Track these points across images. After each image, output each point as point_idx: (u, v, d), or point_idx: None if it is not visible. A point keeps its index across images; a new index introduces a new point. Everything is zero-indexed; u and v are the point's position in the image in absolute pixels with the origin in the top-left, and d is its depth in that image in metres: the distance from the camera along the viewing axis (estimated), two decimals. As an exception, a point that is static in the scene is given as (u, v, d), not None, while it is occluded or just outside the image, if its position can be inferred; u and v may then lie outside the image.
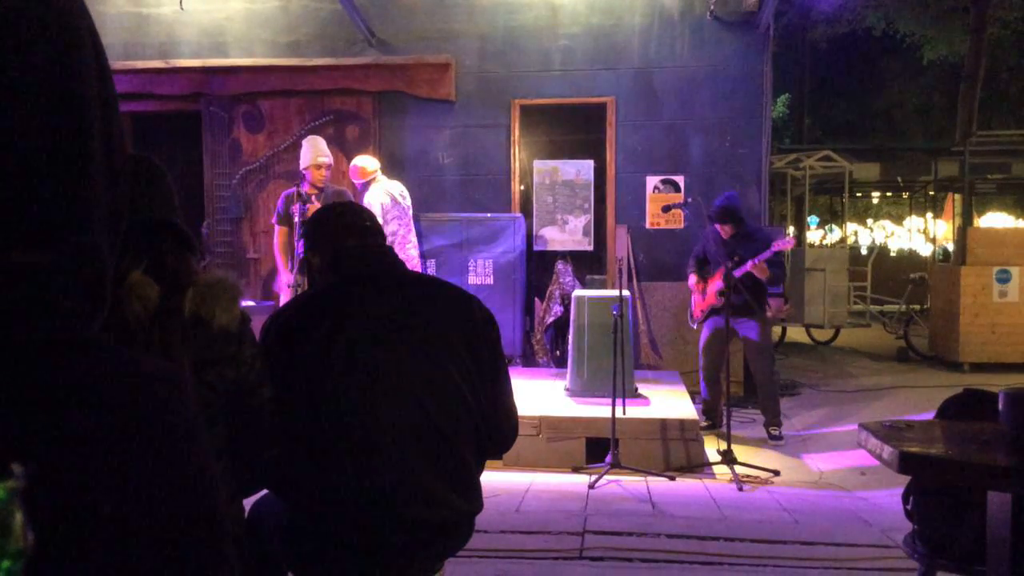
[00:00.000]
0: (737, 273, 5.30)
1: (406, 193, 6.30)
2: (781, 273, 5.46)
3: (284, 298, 5.85)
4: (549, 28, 7.08)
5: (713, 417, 5.71)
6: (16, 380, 0.46)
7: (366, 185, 6.13)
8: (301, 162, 5.79)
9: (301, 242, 5.60)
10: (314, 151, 5.72)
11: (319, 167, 5.68)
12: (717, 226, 5.51)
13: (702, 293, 5.68)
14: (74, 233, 0.51)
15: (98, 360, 0.50)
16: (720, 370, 5.54)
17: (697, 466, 4.78)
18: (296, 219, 5.61)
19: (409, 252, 6.13)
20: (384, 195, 6.03)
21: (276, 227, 5.91)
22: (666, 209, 6.22)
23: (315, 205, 5.47)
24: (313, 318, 1.83)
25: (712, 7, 6.81)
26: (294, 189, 5.75)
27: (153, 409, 0.51)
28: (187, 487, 0.51)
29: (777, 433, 5.65)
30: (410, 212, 6.29)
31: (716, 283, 5.52)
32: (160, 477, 0.50)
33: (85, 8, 0.53)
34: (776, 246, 5.25)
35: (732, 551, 3.42)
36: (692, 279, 5.75)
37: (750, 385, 6.71)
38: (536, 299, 7.01)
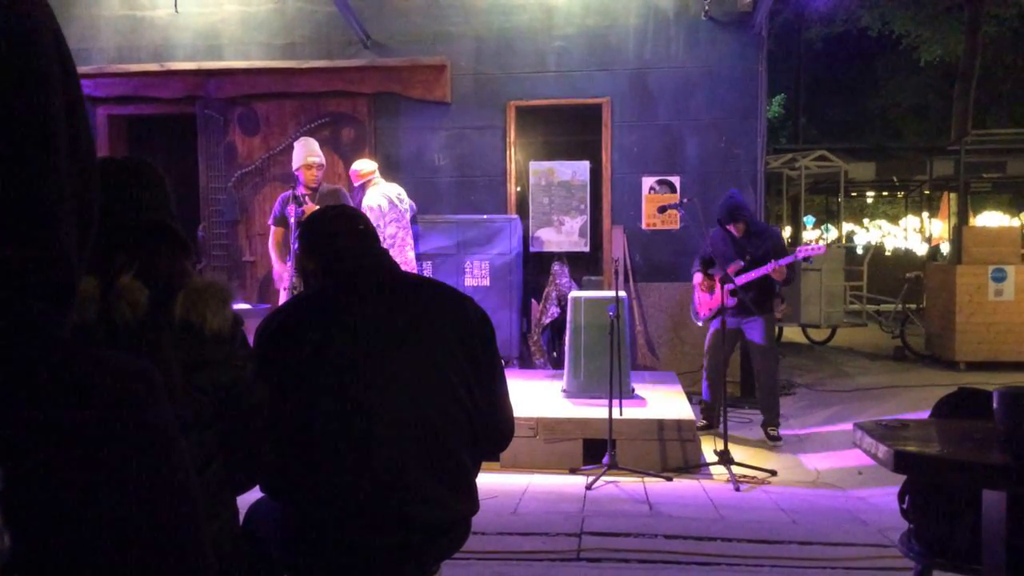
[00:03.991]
0: (752, 276, 5.31)
1: (404, 196, 6.30)
2: (792, 274, 5.48)
3: (282, 291, 5.85)
4: (544, 29, 7.08)
5: (711, 417, 5.71)
6: None
7: (363, 188, 6.14)
8: (293, 163, 5.81)
9: (298, 244, 5.60)
10: (304, 151, 5.73)
11: (309, 167, 5.68)
12: (730, 227, 5.52)
13: (709, 291, 5.67)
14: (39, 230, 0.50)
15: (69, 358, 0.50)
16: (723, 371, 5.56)
17: (694, 466, 4.78)
18: (291, 220, 5.61)
19: (407, 255, 6.13)
20: (381, 198, 6.03)
21: (272, 228, 5.93)
22: (662, 210, 6.21)
23: (310, 206, 5.47)
24: (308, 320, 1.82)
25: (707, 7, 6.81)
26: (290, 192, 5.76)
27: (127, 407, 0.51)
28: (162, 485, 0.51)
29: (776, 434, 5.65)
30: (408, 215, 6.29)
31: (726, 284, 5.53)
32: (134, 475, 0.49)
33: (48, 7, 0.53)
34: (801, 252, 5.29)
35: (729, 551, 3.42)
36: (697, 277, 5.73)
37: (747, 385, 6.72)
38: (533, 300, 7.01)
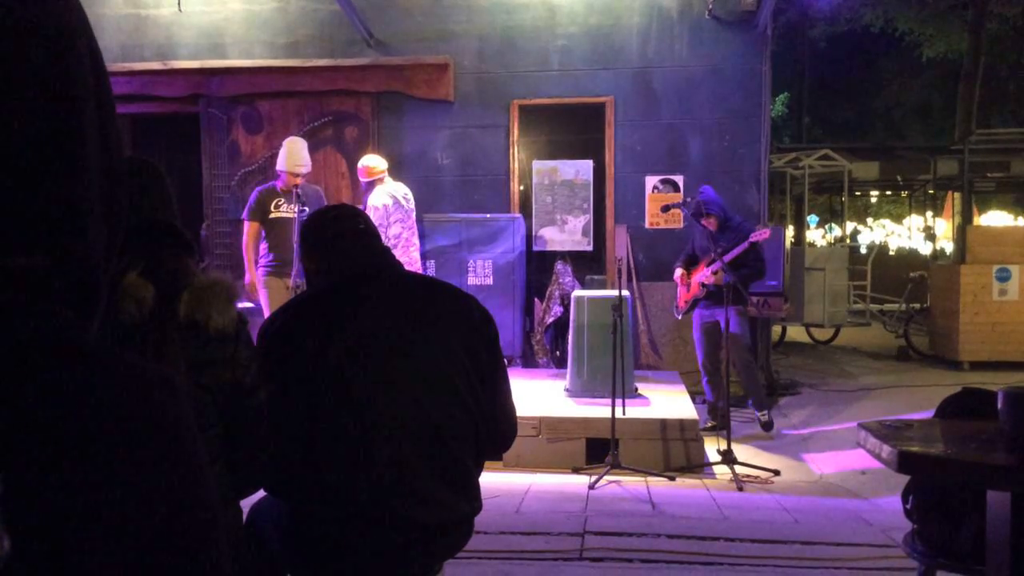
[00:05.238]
0: (715, 267, 5.37)
1: (410, 195, 6.29)
2: (751, 272, 5.48)
3: (263, 299, 5.58)
4: (547, 28, 7.08)
5: (717, 417, 5.70)
6: (11, 385, 0.46)
7: (370, 185, 6.11)
8: (278, 163, 5.66)
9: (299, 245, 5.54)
10: (291, 157, 5.55)
11: (295, 175, 5.51)
12: (703, 222, 5.56)
13: (686, 286, 5.79)
14: (69, 237, 0.50)
15: (95, 364, 0.50)
16: (718, 363, 5.58)
17: (697, 466, 4.78)
18: (270, 216, 5.56)
19: (412, 255, 6.12)
20: (387, 197, 6.02)
21: (246, 223, 5.68)
22: (665, 209, 6.22)
23: (289, 204, 5.45)
24: (310, 320, 1.82)
25: (710, 6, 6.80)
26: (271, 185, 5.69)
27: (150, 413, 0.51)
28: (183, 491, 0.51)
29: (765, 419, 5.70)
30: (413, 215, 6.28)
31: (698, 275, 5.64)
32: (156, 481, 0.49)
33: (79, 6, 0.53)
34: (753, 237, 5.33)
35: (732, 551, 3.42)
36: (677, 272, 5.85)
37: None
38: (536, 299, 7.01)
